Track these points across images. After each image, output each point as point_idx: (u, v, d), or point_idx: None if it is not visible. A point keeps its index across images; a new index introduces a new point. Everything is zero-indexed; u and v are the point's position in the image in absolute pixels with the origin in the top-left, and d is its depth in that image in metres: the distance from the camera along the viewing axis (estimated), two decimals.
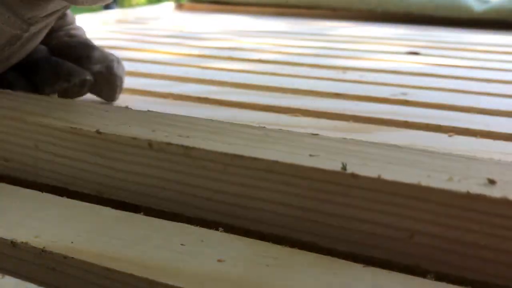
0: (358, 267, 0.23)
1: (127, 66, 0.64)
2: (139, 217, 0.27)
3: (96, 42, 0.42)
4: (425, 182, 0.23)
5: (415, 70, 0.64)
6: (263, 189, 0.25)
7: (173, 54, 0.73)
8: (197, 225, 0.26)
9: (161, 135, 0.28)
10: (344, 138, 0.28)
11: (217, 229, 0.26)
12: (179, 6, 1.41)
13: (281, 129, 0.30)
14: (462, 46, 0.84)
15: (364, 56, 0.73)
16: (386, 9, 1.22)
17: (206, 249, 0.24)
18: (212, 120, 0.32)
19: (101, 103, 0.36)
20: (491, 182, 0.23)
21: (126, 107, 0.35)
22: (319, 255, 0.24)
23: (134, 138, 0.28)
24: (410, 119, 0.44)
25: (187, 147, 0.27)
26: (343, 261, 0.23)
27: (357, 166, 0.24)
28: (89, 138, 0.29)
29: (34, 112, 0.32)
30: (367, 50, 0.79)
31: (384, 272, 0.23)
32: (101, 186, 0.29)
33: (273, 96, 0.51)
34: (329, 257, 0.24)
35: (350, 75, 0.61)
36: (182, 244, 0.24)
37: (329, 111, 0.46)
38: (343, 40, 0.89)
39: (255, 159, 0.25)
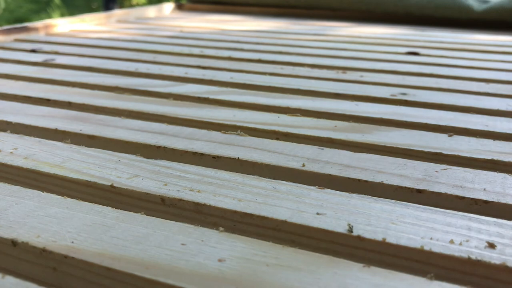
0: (358, 267, 0.23)
1: (127, 66, 0.65)
2: (139, 217, 0.27)
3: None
4: (427, 247, 0.24)
5: (415, 70, 0.64)
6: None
7: (173, 54, 0.73)
8: (197, 225, 0.26)
9: (173, 190, 0.30)
10: (349, 194, 0.30)
11: (217, 229, 0.26)
12: (179, 6, 1.41)
13: (288, 183, 0.31)
14: (462, 46, 0.84)
15: (364, 56, 0.73)
16: (386, 9, 1.22)
17: (206, 249, 0.24)
18: (220, 171, 0.33)
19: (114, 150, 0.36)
20: (491, 246, 0.24)
21: (138, 155, 0.35)
22: (319, 255, 0.24)
23: (147, 194, 0.29)
24: (409, 119, 0.44)
25: (198, 204, 0.28)
26: (343, 261, 0.23)
27: (362, 227, 0.26)
28: (104, 191, 0.31)
29: (49, 163, 0.33)
30: (366, 50, 0.79)
31: (384, 272, 0.23)
32: None
33: (273, 96, 0.51)
34: (329, 257, 0.24)
35: (350, 75, 0.61)
36: (182, 244, 0.24)
37: (329, 111, 0.46)
38: (342, 40, 0.89)
39: (264, 218, 0.27)
